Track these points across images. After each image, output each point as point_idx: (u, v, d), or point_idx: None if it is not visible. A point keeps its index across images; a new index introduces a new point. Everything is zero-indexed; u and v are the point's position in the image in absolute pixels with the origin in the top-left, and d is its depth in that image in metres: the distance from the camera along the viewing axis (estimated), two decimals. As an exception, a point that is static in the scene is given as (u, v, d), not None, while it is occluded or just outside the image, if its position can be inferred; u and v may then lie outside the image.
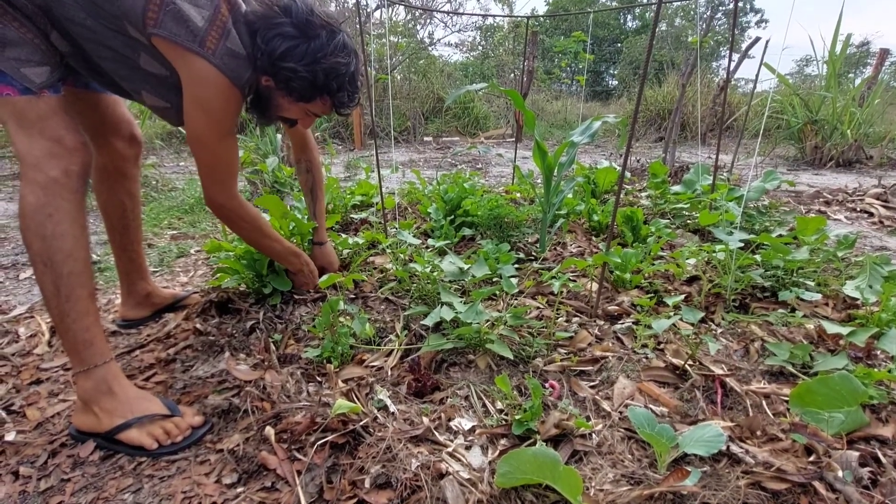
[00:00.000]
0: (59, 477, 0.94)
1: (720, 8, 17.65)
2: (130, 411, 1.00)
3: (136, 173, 1.37)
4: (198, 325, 1.43)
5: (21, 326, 1.51)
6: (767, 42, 2.51)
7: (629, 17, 22.36)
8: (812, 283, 1.58)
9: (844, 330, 1.18)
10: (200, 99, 1.06)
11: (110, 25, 0.99)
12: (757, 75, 2.53)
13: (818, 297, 1.46)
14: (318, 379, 1.19)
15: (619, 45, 20.02)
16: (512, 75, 9.58)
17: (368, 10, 7.42)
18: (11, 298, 1.72)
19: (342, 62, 1.12)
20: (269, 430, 0.99)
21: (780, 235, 1.88)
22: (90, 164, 0.99)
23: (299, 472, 0.90)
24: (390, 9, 7.78)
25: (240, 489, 0.89)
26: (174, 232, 2.56)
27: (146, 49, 1.03)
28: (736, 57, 3.28)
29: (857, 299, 1.44)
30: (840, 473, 0.83)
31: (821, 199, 3.14)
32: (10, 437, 1.03)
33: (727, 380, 1.13)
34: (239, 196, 1.24)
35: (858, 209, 2.90)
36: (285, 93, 1.15)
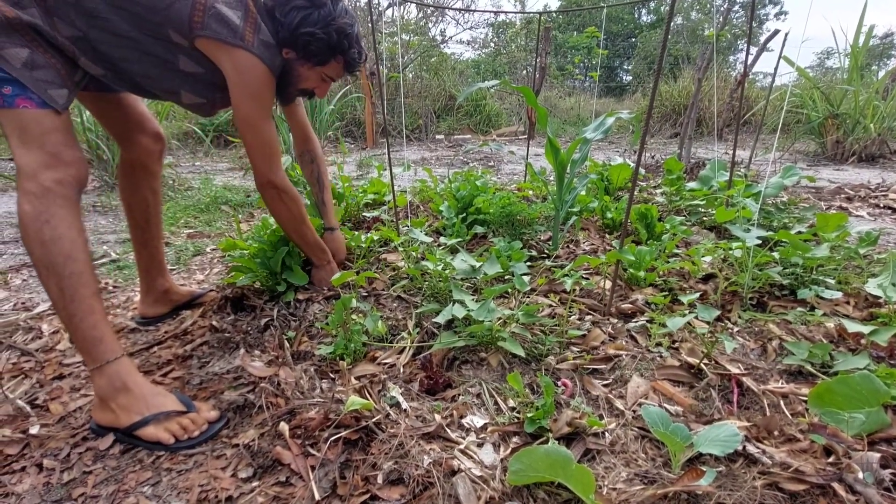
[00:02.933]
0: (82, 469, 0.96)
1: (737, 0, 17.31)
2: (146, 408, 1.03)
3: (159, 170, 1.42)
4: (213, 322, 1.45)
5: (44, 323, 1.55)
6: (787, 34, 2.45)
7: (643, 11, 22.05)
8: (832, 281, 1.54)
9: (866, 329, 1.16)
10: (248, 86, 1.18)
11: (152, 34, 1.09)
12: (776, 69, 2.47)
13: (839, 295, 1.43)
14: (331, 376, 1.20)
15: (633, 39, 19.75)
16: (524, 72, 9.54)
17: (380, 8, 7.44)
18: (35, 296, 1.76)
19: (348, 23, 1.27)
20: (284, 426, 1.00)
21: (800, 232, 1.84)
22: (84, 179, 1.04)
23: (313, 468, 0.91)
24: (402, 7, 7.79)
25: (255, 483, 0.91)
26: (190, 230, 2.60)
27: (184, 52, 1.14)
28: (754, 50, 3.21)
29: (880, 297, 1.40)
30: (860, 475, 0.81)
31: (842, 195, 3.07)
32: (34, 430, 1.06)
33: (744, 379, 1.11)
34: (286, 176, 1.34)
35: (882, 205, 2.83)
36: (304, 59, 1.28)
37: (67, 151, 1.01)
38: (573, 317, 1.43)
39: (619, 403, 1.07)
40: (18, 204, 0.97)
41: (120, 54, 1.10)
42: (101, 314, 1.02)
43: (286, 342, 1.34)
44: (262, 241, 1.58)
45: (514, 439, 0.97)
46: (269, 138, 1.27)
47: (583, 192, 2.41)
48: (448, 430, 0.98)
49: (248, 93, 1.19)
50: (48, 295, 0.99)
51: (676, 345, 1.27)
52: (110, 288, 1.84)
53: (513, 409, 1.06)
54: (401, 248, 1.79)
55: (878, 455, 0.84)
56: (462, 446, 0.94)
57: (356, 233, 1.85)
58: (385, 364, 1.24)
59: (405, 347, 1.30)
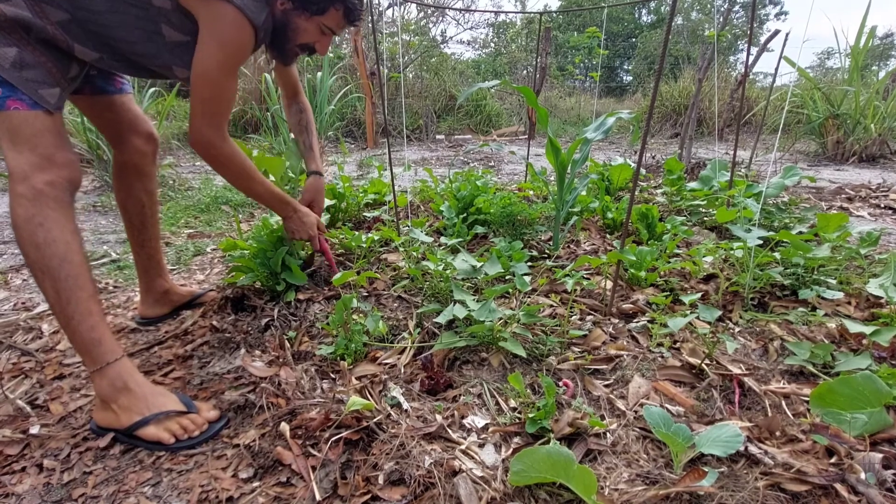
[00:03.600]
0: (82, 470, 0.96)
1: (737, 0, 17.31)
2: (147, 408, 1.02)
3: (153, 171, 1.41)
4: (214, 323, 1.45)
5: (44, 323, 1.55)
6: (787, 35, 2.45)
7: (644, 11, 22.06)
8: (834, 282, 1.54)
9: (868, 329, 1.15)
10: (218, 34, 1.08)
11: (134, 2, 1.05)
12: (776, 69, 2.47)
13: (840, 295, 1.43)
14: (332, 376, 1.20)
15: (633, 40, 19.76)
16: (524, 72, 9.54)
17: (380, 8, 7.44)
18: (35, 296, 1.76)
19: None
20: (285, 426, 1.00)
21: (801, 232, 1.84)
22: (77, 181, 1.03)
23: (314, 468, 0.91)
24: (402, 7, 7.79)
25: (256, 483, 0.91)
26: (191, 231, 2.60)
27: (166, 19, 1.09)
28: (754, 50, 3.21)
29: (881, 298, 1.40)
30: (863, 475, 0.81)
31: (843, 196, 3.06)
32: (34, 430, 1.06)
33: (745, 379, 1.11)
34: (228, 137, 1.22)
35: (882, 205, 2.82)
36: (301, 9, 1.21)
37: (59, 153, 0.99)
38: (574, 317, 1.43)
39: (620, 404, 1.06)
40: (11, 207, 0.96)
41: (109, 33, 1.06)
42: (98, 316, 1.02)
43: (287, 342, 1.33)
44: (263, 240, 1.58)
45: (516, 440, 0.97)
46: (223, 95, 1.15)
47: (583, 193, 2.41)
48: (449, 431, 0.98)
49: (218, 42, 1.08)
50: (45, 297, 0.99)
51: (678, 345, 1.27)
52: (110, 288, 1.84)
53: (514, 409, 1.06)
54: (401, 248, 1.79)
55: (880, 455, 0.84)
56: (463, 447, 0.94)
57: (357, 233, 1.85)
58: (386, 364, 1.24)
59: (406, 347, 1.30)
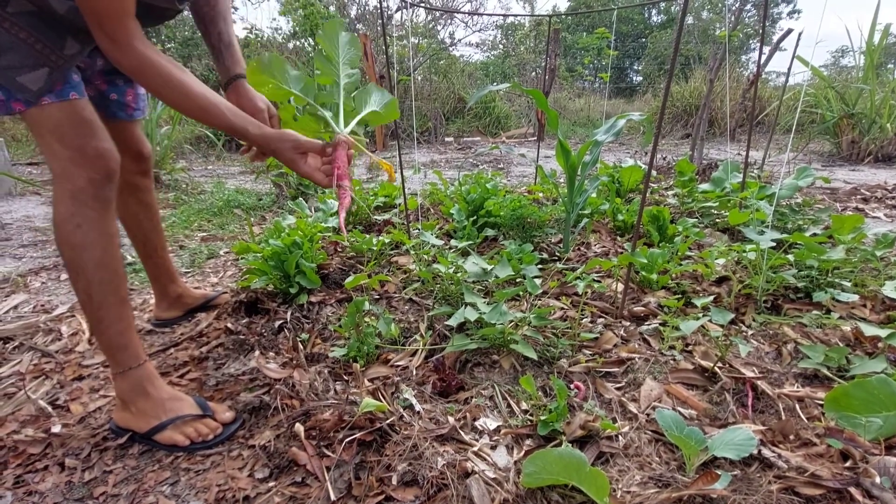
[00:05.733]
0: (102, 469, 0.98)
1: (749, -1, 17.14)
2: (164, 412, 1.04)
3: (146, 184, 1.37)
4: (229, 325, 1.47)
5: (63, 325, 1.58)
6: (800, 34, 2.43)
7: (654, 11, 21.91)
8: (848, 284, 1.52)
9: (883, 332, 1.14)
10: None
11: None
12: (789, 68, 2.45)
13: (855, 298, 1.41)
14: (345, 378, 1.21)
15: (643, 40, 19.64)
16: (533, 74, 9.53)
17: (389, 12, 7.49)
18: (53, 298, 1.80)
19: None
20: (299, 427, 1.01)
21: (815, 234, 1.82)
22: (113, 172, 0.97)
23: (328, 468, 0.93)
24: (411, 10, 7.83)
25: (271, 483, 0.92)
26: (204, 234, 2.64)
27: None
28: (767, 50, 3.18)
29: (897, 300, 1.39)
30: (877, 479, 0.80)
31: (858, 196, 3.02)
32: (56, 429, 1.08)
33: (758, 382, 1.10)
34: (136, 46, 0.87)
35: (898, 206, 2.78)
36: None
37: (89, 143, 0.92)
38: (585, 320, 1.43)
39: (632, 407, 1.06)
40: (53, 204, 0.94)
41: None
42: (128, 321, 1.03)
43: (300, 344, 1.35)
44: (277, 244, 1.60)
45: (528, 442, 0.97)
46: (109, 7, 0.82)
47: (594, 195, 2.40)
48: (461, 433, 0.99)
49: None
50: (77, 296, 1.00)
51: (690, 348, 1.27)
52: (127, 290, 1.87)
53: (526, 411, 1.06)
54: (412, 251, 1.80)
55: (895, 459, 0.83)
56: (475, 448, 0.95)
57: (367, 236, 1.87)
58: (398, 366, 1.25)
59: (418, 350, 1.31)
